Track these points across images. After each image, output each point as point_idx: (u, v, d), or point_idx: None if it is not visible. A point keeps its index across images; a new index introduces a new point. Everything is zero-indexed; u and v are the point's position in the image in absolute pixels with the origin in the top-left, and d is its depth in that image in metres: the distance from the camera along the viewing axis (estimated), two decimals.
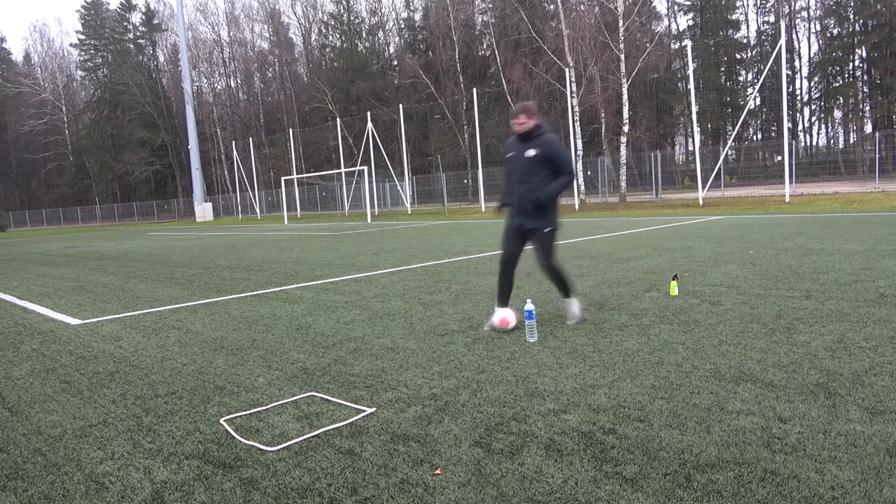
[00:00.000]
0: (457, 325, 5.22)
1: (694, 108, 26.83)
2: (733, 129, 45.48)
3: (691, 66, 27.27)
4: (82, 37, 69.56)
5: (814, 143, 52.05)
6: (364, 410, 3.36)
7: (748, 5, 57.42)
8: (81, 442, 3.16)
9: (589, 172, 33.75)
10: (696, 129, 27.42)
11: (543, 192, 4.71)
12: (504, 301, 4.98)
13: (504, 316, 4.86)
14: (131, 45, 67.68)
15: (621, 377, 3.64)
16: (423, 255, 10.91)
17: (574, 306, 5.01)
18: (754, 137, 51.03)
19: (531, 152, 4.75)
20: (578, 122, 30.36)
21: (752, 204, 20.90)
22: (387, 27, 59.70)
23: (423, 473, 2.59)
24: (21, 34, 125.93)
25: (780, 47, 22.66)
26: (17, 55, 79.37)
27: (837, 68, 48.09)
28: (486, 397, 3.45)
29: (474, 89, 30.30)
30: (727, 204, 21.87)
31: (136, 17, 68.01)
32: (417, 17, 56.68)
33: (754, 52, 51.90)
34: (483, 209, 29.75)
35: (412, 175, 38.75)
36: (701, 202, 22.70)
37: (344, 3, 56.85)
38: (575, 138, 29.07)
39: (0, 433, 3.38)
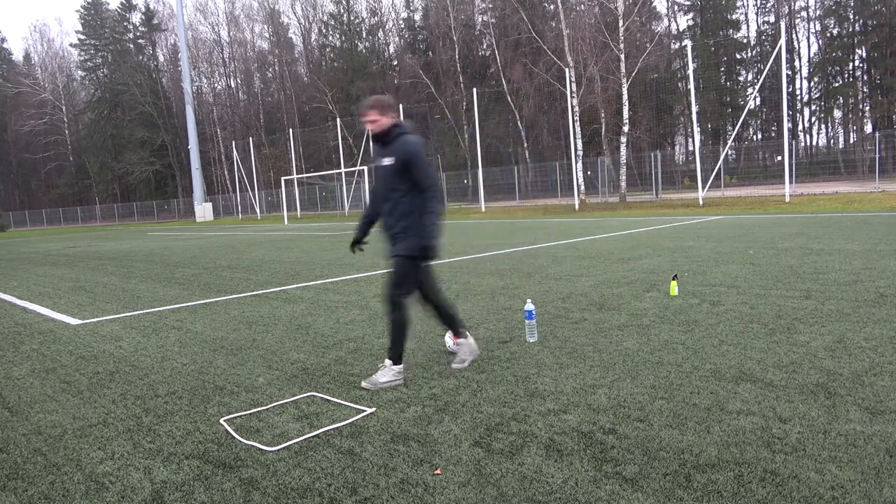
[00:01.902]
0: None
1: (694, 108, 26.83)
2: (733, 129, 45.46)
3: (691, 66, 27.28)
4: (82, 37, 69.54)
5: (814, 143, 52.08)
6: (364, 410, 3.36)
7: (748, 5, 57.51)
8: (81, 442, 3.17)
9: (589, 172, 33.76)
10: (696, 129, 27.43)
11: (429, 236, 3.67)
12: (457, 328, 4.06)
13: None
14: (131, 45, 67.67)
15: (621, 377, 3.64)
16: None
17: (389, 373, 3.77)
18: (754, 137, 51.03)
19: (388, 160, 3.74)
20: (578, 122, 30.37)
21: (752, 204, 20.90)
22: (387, 27, 59.70)
23: (423, 473, 2.59)
24: (21, 34, 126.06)
25: (780, 47, 22.66)
26: (18, 55, 79.45)
27: (837, 68, 48.06)
28: (486, 397, 3.45)
29: (474, 89, 30.31)
30: (727, 204, 21.87)
31: (136, 17, 68.02)
32: (417, 17, 56.67)
33: (754, 52, 51.88)
34: (483, 209, 29.76)
35: None
36: (701, 202, 22.70)
37: (344, 3, 56.84)
38: (575, 138, 29.08)
39: (0, 433, 3.38)
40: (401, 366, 3.80)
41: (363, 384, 3.74)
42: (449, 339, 4.36)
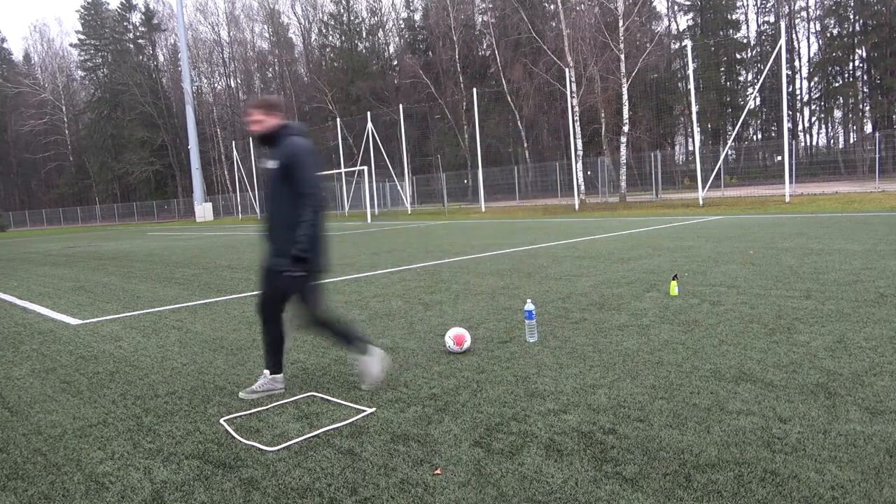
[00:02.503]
0: (457, 325, 5.21)
1: (694, 108, 26.83)
2: (733, 129, 45.44)
3: (691, 66, 27.28)
4: (82, 37, 69.52)
5: (814, 143, 52.06)
6: (364, 410, 3.36)
7: (748, 5, 57.33)
8: (81, 442, 3.16)
9: (589, 172, 33.76)
10: (696, 129, 27.42)
11: (299, 245, 3.41)
12: (276, 362, 3.75)
13: (458, 334, 4.33)
14: (131, 45, 67.65)
15: (621, 377, 3.64)
16: (423, 255, 10.91)
17: (372, 364, 3.68)
18: (754, 137, 51.01)
19: (272, 163, 3.52)
20: (578, 122, 30.37)
21: (752, 204, 20.89)
22: (387, 27, 59.70)
23: (423, 473, 2.59)
24: (21, 34, 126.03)
25: (780, 47, 22.66)
26: (17, 55, 79.38)
27: (837, 68, 48.04)
28: (486, 397, 3.45)
29: (474, 89, 30.30)
30: (727, 204, 21.87)
31: (136, 17, 67.98)
32: (417, 17, 56.67)
33: (754, 52, 51.85)
34: (483, 209, 29.75)
35: (412, 175, 38.75)
36: (701, 202, 22.70)
37: (344, 3, 56.85)
38: (575, 138, 29.08)
39: (0, 433, 3.38)
40: (378, 353, 3.70)
41: (363, 387, 3.74)
42: (449, 339, 4.36)
